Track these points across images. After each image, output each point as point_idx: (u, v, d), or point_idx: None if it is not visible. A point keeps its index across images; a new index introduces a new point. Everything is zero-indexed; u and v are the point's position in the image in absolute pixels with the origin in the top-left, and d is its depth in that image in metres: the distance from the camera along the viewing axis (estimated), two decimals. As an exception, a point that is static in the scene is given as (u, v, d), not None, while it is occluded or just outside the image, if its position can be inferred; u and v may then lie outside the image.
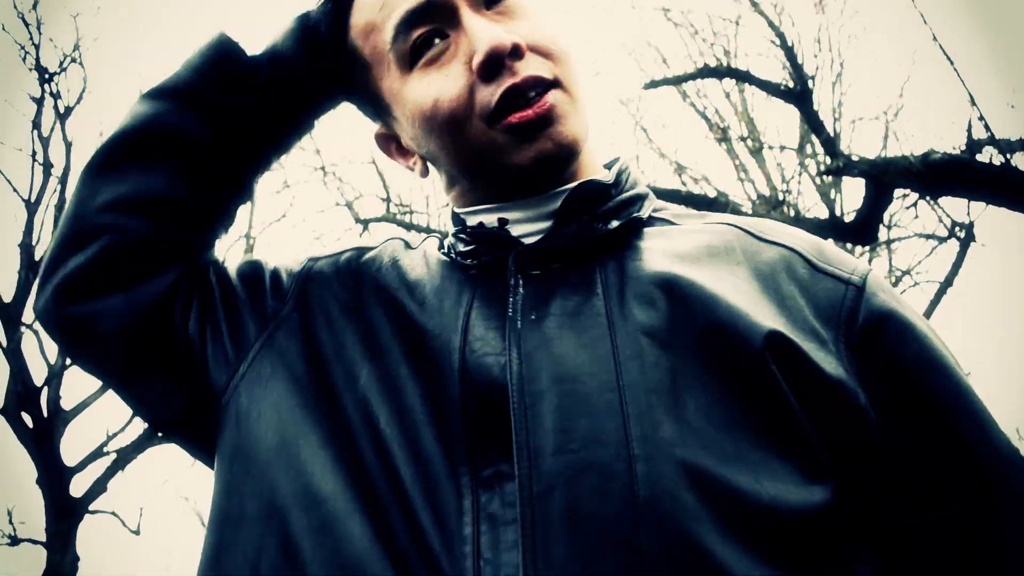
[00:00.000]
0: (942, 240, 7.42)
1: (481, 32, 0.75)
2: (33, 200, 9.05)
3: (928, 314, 8.38)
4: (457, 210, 0.85)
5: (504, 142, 0.76)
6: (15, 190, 8.96)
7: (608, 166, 0.87)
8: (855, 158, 4.50)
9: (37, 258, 8.84)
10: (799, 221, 4.67)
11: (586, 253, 0.76)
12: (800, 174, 7.95)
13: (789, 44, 4.46)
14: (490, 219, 0.81)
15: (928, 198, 4.52)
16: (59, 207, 9.04)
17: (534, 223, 0.79)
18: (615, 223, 0.78)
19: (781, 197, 6.81)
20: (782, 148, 6.77)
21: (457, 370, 0.70)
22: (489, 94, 0.75)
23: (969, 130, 4.86)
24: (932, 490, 0.69)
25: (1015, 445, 0.71)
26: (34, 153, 9.12)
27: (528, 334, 0.70)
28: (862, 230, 4.58)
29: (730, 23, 5.69)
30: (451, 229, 0.85)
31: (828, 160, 4.43)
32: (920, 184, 3.97)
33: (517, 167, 0.76)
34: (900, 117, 8.66)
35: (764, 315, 0.70)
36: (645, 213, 0.81)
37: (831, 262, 0.77)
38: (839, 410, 0.69)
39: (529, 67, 0.75)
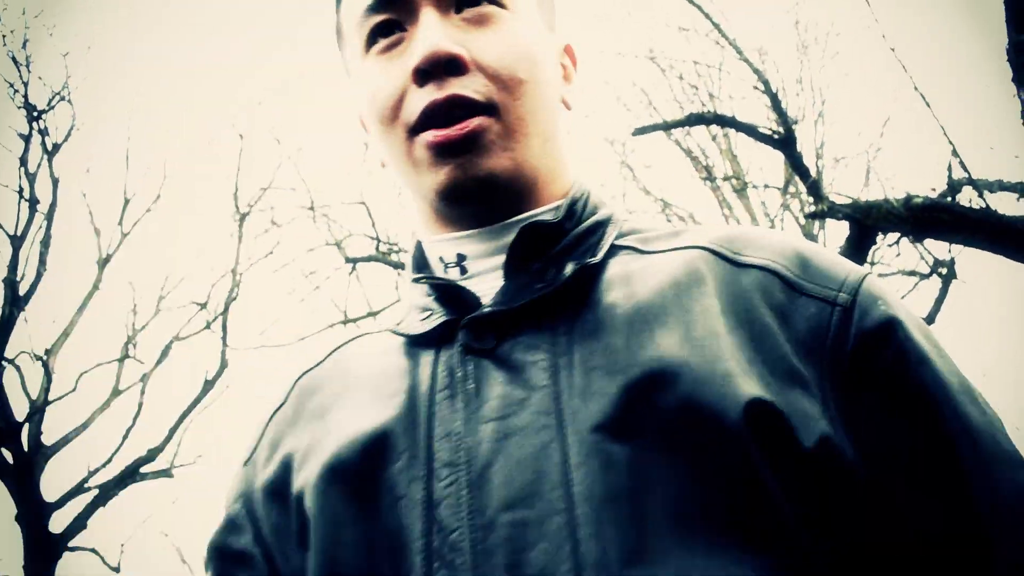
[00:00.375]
0: (924, 277, 7.52)
1: (425, 34, 0.70)
2: (19, 235, 9.04)
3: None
4: (420, 237, 0.80)
5: (421, 158, 0.71)
6: (2, 227, 8.94)
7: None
8: (839, 201, 4.60)
9: (22, 294, 8.80)
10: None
11: (540, 313, 0.68)
12: (784, 211, 8.06)
13: (774, 91, 4.57)
14: (449, 253, 0.75)
15: (911, 239, 4.62)
16: (44, 243, 9.04)
17: (492, 257, 0.73)
18: (570, 267, 0.70)
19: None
20: (766, 187, 6.88)
21: (422, 502, 0.63)
22: (416, 104, 0.70)
23: (949, 171, 4.98)
24: (925, 544, 0.61)
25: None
26: (21, 189, 9.13)
27: (477, 451, 0.63)
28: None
29: (715, 69, 5.83)
30: (410, 267, 0.80)
31: (812, 203, 4.53)
32: (903, 227, 4.05)
33: (430, 191, 0.71)
34: (881, 155, 8.82)
35: (741, 374, 0.61)
36: (602, 251, 0.72)
37: (815, 278, 0.67)
38: (823, 478, 0.60)
39: (463, 86, 0.69)
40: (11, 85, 9.23)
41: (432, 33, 0.69)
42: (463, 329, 0.69)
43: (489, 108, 0.69)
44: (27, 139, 9.27)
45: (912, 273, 7.38)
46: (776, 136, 4.49)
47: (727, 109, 6.34)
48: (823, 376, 0.62)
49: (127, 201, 10.00)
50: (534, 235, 0.71)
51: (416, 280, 0.76)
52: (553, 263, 0.71)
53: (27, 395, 8.76)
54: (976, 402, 0.64)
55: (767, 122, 5.33)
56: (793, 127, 4.59)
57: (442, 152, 0.69)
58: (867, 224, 4.09)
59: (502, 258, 0.72)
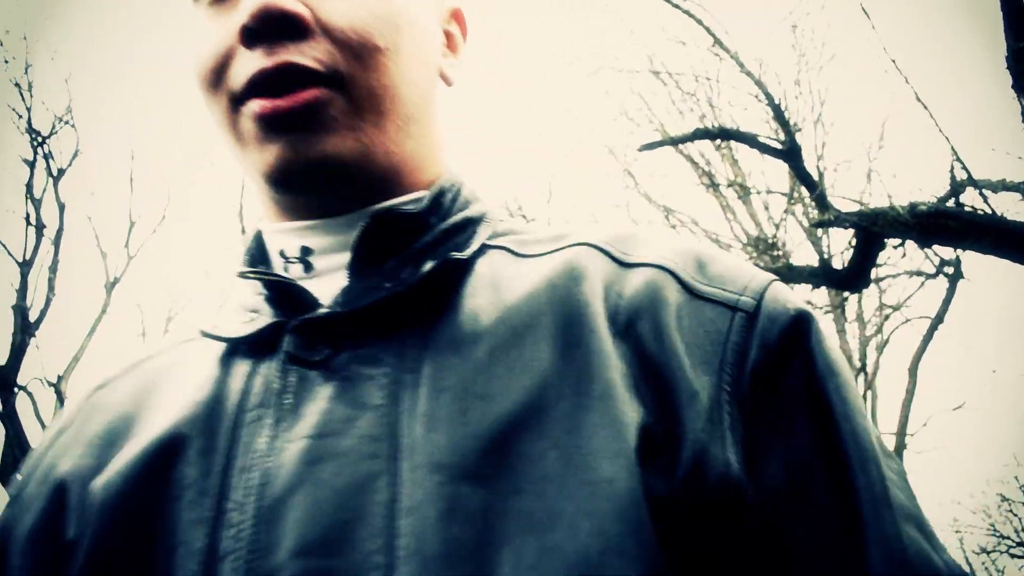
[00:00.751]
0: (930, 276, 7.54)
1: None
2: (26, 261, 9.11)
3: (922, 350, 8.50)
4: (263, 227, 0.67)
5: (248, 132, 0.58)
6: (10, 254, 9.01)
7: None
8: (843, 205, 4.65)
9: (32, 320, 8.86)
10: (791, 270, 4.79)
11: (388, 320, 0.56)
12: (788, 216, 8.09)
13: (776, 102, 4.62)
14: (291, 246, 0.63)
15: (918, 245, 4.66)
16: (52, 268, 9.11)
17: (342, 252, 0.61)
18: (428, 265, 0.58)
19: (771, 240, 6.93)
20: (769, 191, 6.92)
21: (202, 553, 0.49)
22: (242, 70, 0.57)
23: (952, 172, 5.01)
24: None
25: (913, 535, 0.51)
26: (27, 215, 9.21)
27: (276, 475, 0.49)
28: (854, 278, 4.71)
29: (714, 81, 5.89)
30: (243, 260, 0.65)
31: (817, 210, 4.58)
32: (909, 234, 4.09)
33: (257, 173, 0.59)
34: (882, 156, 8.86)
35: (627, 394, 0.51)
36: (471, 249, 0.61)
37: (714, 280, 0.57)
38: (711, 513, 0.49)
39: (301, 52, 0.56)
40: (13, 109, 9.32)
41: None
42: (290, 334, 0.56)
43: (332, 79, 0.57)
44: (32, 165, 9.35)
45: (918, 273, 7.40)
46: (781, 147, 4.53)
47: (727, 116, 6.39)
48: (720, 387, 0.52)
49: (132, 224, 10.08)
50: (389, 227, 0.59)
51: (243, 274, 0.62)
52: (410, 261, 0.59)
53: (40, 422, 8.83)
54: (876, 433, 0.55)
55: (768, 128, 5.37)
56: (796, 135, 4.64)
57: (270, 126, 0.56)
58: (874, 231, 4.13)
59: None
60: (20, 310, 8.85)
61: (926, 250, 6.65)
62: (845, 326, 8.48)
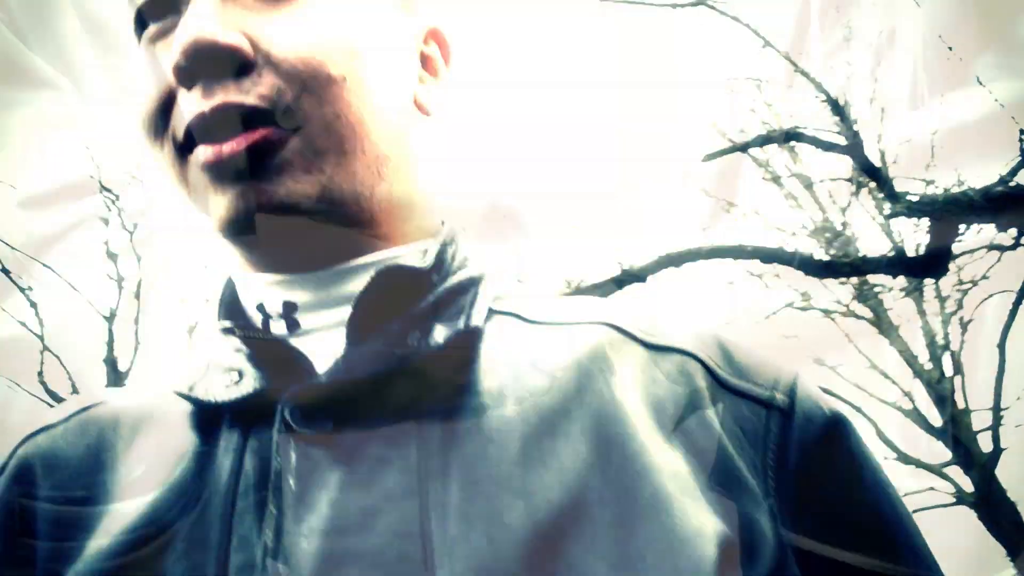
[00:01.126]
0: (1007, 249, 7.34)
1: (189, 18, 0.50)
2: (111, 315, 9.51)
3: (1008, 325, 8.28)
4: (235, 275, 0.59)
5: (198, 183, 0.52)
6: (96, 310, 9.42)
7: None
8: (906, 187, 4.59)
9: (122, 370, 9.24)
10: (866, 261, 4.74)
11: (396, 392, 0.50)
12: (853, 199, 7.97)
13: (834, 97, 4.60)
14: (273, 300, 0.55)
15: (997, 229, 4.59)
16: (135, 319, 9.49)
17: (331, 309, 0.54)
18: (441, 333, 0.52)
19: (840, 229, 6.85)
20: (832, 180, 6.84)
21: None
22: (182, 116, 0.51)
23: (1020, 143, 4.89)
24: None
25: None
26: (108, 271, 9.62)
27: None
28: (932, 264, 4.64)
29: (765, 83, 5.88)
30: (217, 312, 0.59)
31: (886, 200, 4.54)
32: (984, 218, 4.02)
33: (217, 228, 0.52)
34: (942, 128, 8.65)
35: (688, 509, 0.46)
36: (481, 314, 0.55)
37: (744, 373, 0.54)
38: None
39: (244, 90, 0.49)
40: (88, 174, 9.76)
41: (201, 16, 0.49)
42: (288, 404, 0.49)
43: (283, 117, 0.50)
44: (107, 222, 9.77)
45: (996, 247, 7.21)
46: (845, 142, 4.51)
47: (783, 111, 6.34)
48: (768, 492, 0.49)
49: (206, 268, 10.42)
50: (391, 284, 0.53)
51: (228, 331, 0.55)
52: (414, 324, 0.52)
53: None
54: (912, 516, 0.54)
55: (823, 119, 5.32)
56: (855, 126, 4.61)
57: (217, 175, 0.50)
58: (948, 218, 4.08)
59: (343, 311, 0.53)
60: (111, 363, 9.23)
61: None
62: (924, 306, 8.30)
